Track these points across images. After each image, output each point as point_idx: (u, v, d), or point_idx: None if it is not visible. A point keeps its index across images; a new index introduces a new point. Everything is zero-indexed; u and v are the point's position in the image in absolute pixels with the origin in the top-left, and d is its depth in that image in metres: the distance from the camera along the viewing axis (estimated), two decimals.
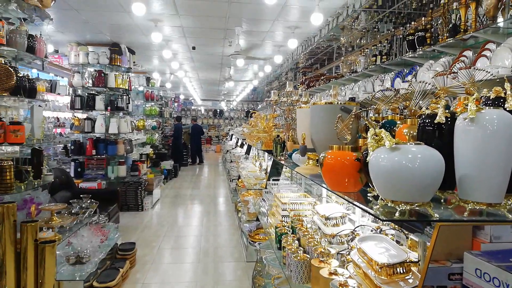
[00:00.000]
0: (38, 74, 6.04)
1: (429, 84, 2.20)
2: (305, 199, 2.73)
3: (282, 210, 2.67)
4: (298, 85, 10.75)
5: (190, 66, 9.97)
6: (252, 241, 4.10)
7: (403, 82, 4.88)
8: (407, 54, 4.83)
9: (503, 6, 3.19)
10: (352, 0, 5.31)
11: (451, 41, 3.92)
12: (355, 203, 1.50)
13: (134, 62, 7.68)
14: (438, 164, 1.08)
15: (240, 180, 6.86)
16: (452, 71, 3.82)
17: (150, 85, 10.80)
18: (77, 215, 3.99)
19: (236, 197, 7.71)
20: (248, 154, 7.15)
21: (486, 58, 3.47)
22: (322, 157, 1.68)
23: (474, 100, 1.14)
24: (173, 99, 16.56)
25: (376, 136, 1.38)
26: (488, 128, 1.07)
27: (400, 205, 1.13)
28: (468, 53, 3.87)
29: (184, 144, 14.41)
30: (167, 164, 11.11)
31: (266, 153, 5.55)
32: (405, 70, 5.11)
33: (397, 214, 1.12)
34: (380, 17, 5.91)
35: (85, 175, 6.93)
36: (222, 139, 21.17)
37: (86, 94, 6.93)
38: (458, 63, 3.89)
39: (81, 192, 5.93)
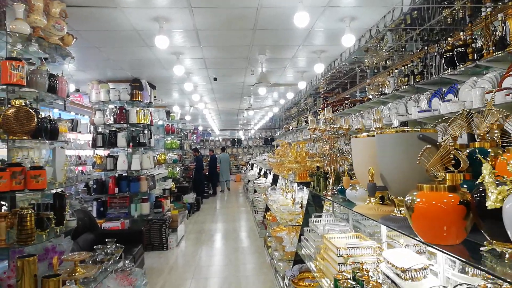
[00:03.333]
0: (60, 114, 5.93)
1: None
2: (364, 243, 2.35)
3: (338, 257, 2.30)
4: (319, 111, 10.48)
5: (209, 98, 9.86)
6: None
7: (443, 101, 4.52)
8: (446, 71, 4.49)
9: None
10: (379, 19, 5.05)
11: (499, 54, 3.57)
12: (472, 263, 1.14)
13: (155, 97, 7.57)
14: None
15: (269, 213, 6.49)
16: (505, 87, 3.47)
17: (170, 119, 10.72)
18: (102, 263, 3.68)
19: (264, 231, 7.30)
20: (276, 185, 6.80)
21: None
22: (410, 200, 1.34)
23: None
24: (192, 131, 16.51)
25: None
26: None
27: None
28: None
29: (205, 175, 14.16)
30: (189, 198, 10.83)
31: (303, 186, 5.19)
32: (443, 89, 4.76)
33: None
34: (410, 36, 5.63)
35: (108, 214, 6.68)
36: (242, 168, 20.86)
37: (108, 131, 6.79)
38: (509, 78, 3.55)
39: (105, 234, 5.69)
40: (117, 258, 4.07)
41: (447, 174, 1.45)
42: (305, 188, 5.19)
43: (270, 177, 8.83)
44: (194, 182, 12.98)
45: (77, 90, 7.81)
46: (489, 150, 1.57)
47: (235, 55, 5.62)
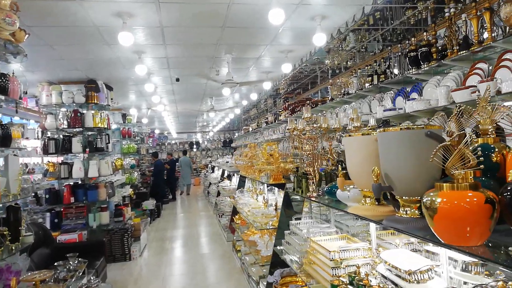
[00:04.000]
0: (11, 119, 5.40)
1: None
2: (356, 245, 2.29)
3: (330, 260, 2.22)
4: (280, 111, 10.49)
5: (169, 99, 9.52)
6: None
7: (408, 100, 4.63)
8: (411, 71, 4.62)
9: None
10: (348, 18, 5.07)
11: (464, 53, 3.71)
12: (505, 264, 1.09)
13: (111, 99, 7.15)
14: None
15: (237, 216, 6.34)
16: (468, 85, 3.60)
17: (126, 122, 10.24)
18: (64, 281, 3.36)
19: (231, 235, 7.14)
20: (243, 188, 6.67)
21: (507, 69, 3.27)
22: (430, 201, 1.27)
23: None
24: (148, 134, 15.94)
25: None
26: None
27: None
28: (483, 65, 3.67)
29: (164, 180, 13.70)
30: (149, 204, 10.39)
31: (274, 187, 5.10)
32: (407, 88, 4.89)
33: None
34: (373, 36, 5.75)
35: (64, 226, 6.19)
36: (200, 171, 20.47)
37: (61, 137, 6.30)
38: (473, 76, 3.69)
39: (62, 248, 5.24)
40: (80, 274, 3.75)
41: (455, 173, 1.40)
42: (276, 189, 5.12)
43: (235, 179, 8.68)
44: (153, 188, 12.50)
45: (25, 93, 7.17)
46: (493, 145, 1.56)
47: (200, 54, 5.43)
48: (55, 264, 3.59)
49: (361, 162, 1.96)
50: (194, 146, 22.88)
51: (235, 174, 8.50)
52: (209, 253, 6.67)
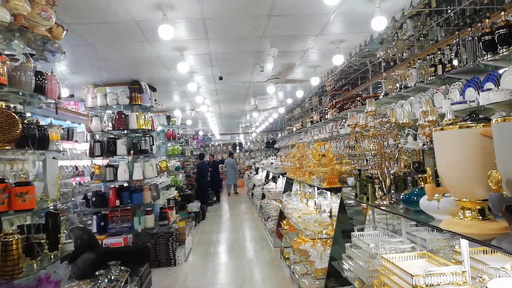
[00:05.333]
0: (51, 120, 5.38)
1: None
2: (447, 268, 1.82)
3: (413, 287, 1.77)
4: (327, 110, 9.94)
5: (212, 100, 9.33)
6: None
7: (481, 91, 4.00)
8: (485, 57, 3.98)
9: None
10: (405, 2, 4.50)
11: None
12: None
13: (155, 100, 7.03)
14: None
15: (285, 221, 5.95)
16: None
17: (170, 124, 10.19)
18: None
19: (279, 241, 6.76)
20: (290, 191, 6.26)
21: None
22: None
23: None
24: (192, 136, 15.98)
25: None
26: None
27: None
28: None
29: (209, 182, 13.62)
30: (194, 206, 10.27)
31: (326, 192, 4.66)
32: (480, 78, 4.25)
33: None
34: (436, 21, 5.13)
35: (109, 229, 6.12)
36: (244, 172, 20.27)
37: (106, 139, 6.25)
38: None
39: (107, 253, 5.12)
40: (123, 283, 3.53)
41: None
42: (329, 194, 4.67)
43: (280, 182, 8.30)
44: (197, 190, 12.43)
45: (72, 96, 7.27)
46: None
47: (244, 49, 5.09)
48: (96, 273, 3.39)
49: (460, 164, 1.49)
50: (237, 148, 22.76)
51: (281, 176, 8.12)
52: (256, 260, 6.32)
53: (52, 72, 3.19)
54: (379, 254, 2.34)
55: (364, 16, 3.99)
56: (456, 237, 2.34)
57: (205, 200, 12.08)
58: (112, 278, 3.33)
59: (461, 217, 1.56)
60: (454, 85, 4.64)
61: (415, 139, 4.25)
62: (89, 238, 4.96)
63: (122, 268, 3.57)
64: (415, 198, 1.98)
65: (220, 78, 6.41)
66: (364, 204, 3.15)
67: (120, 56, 5.11)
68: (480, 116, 3.64)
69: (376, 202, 2.35)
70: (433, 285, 1.80)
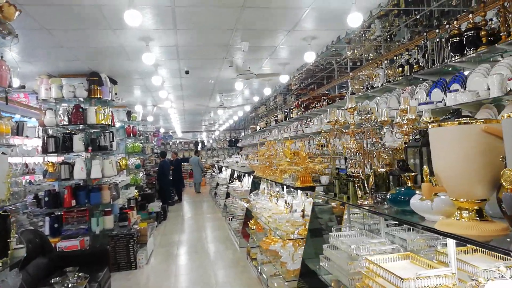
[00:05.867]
0: None
1: None
2: (436, 271, 1.76)
3: None
4: (292, 109, 9.93)
5: (176, 95, 9.00)
6: None
7: (448, 92, 4.10)
8: (453, 58, 4.07)
9: None
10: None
11: None
12: None
13: (116, 94, 6.64)
14: None
15: (252, 221, 5.82)
16: None
17: (131, 119, 9.75)
18: None
19: (244, 241, 6.62)
20: (258, 190, 6.14)
21: None
22: None
23: None
24: (153, 133, 15.45)
25: None
26: None
27: None
28: None
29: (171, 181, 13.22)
30: (155, 206, 9.89)
31: (296, 191, 4.57)
32: (446, 79, 4.35)
33: None
34: (405, 22, 5.20)
35: (64, 231, 5.69)
36: (206, 171, 19.94)
37: (61, 134, 5.81)
38: None
39: (62, 257, 4.72)
40: None
41: None
42: (299, 193, 4.59)
43: (246, 180, 8.16)
44: (158, 189, 12.02)
45: (23, 87, 6.68)
46: None
47: (214, 42, 4.89)
48: (52, 281, 3.09)
49: (459, 162, 1.43)
50: (199, 146, 22.37)
51: (247, 175, 7.98)
52: (221, 261, 6.14)
53: (2, 57, 2.85)
54: (360, 255, 2.27)
55: (339, 12, 3.95)
56: (437, 237, 2.31)
57: (167, 199, 11.71)
58: (70, 286, 3.03)
59: (457, 218, 1.49)
60: (420, 86, 4.73)
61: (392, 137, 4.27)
62: (41, 241, 4.55)
63: (80, 274, 3.28)
64: (402, 197, 1.92)
65: (187, 72, 6.16)
66: (334, 204, 3.09)
67: (79, 45, 4.73)
68: (463, 114, 3.69)
69: (358, 201, 2.27)
70: None
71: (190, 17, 4.01)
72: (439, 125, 1.51)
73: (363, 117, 2.33)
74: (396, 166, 2.18)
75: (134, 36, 4.44)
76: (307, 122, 8.60)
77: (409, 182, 1.96)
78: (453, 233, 1.45)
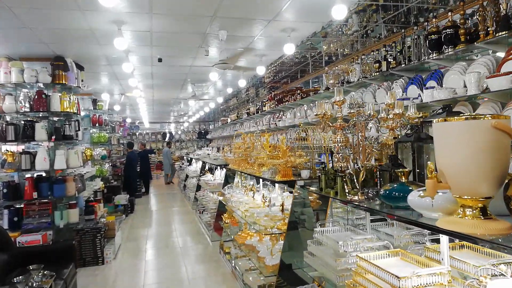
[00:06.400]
0: None
1: None
2: (432, 269, 1.72)
3: None
4: (265, 102, 9.85)
5: (146, 84, 8.66)
6: None
7: (425, 89, 4.16)
8: (431, 56, 4.12)
9: None
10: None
11: (503, 35, 3.24)
12: None
13: (82, 80, 6.27)
14: None
15: (227, 215, 5.71)
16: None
17: (97, 108, 9.30)
18: None
19: (216, 235, 6.51)
20: (232, 183, 6.02)
21: None
22: None
23: None
24: (119, 123, 14.90)
25: None
26: None
27: None
28: None
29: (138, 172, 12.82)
30: (122, 199, 9.54)
31: (272, 185, 4.50)
32: (423, 76, 4.41)
33: None
34: (383, 19, 5.22)
35: (24, 225, 5.34)
36: (174, 163, 19.57)
37: (22, 122, 5.41)
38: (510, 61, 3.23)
39: (23, 253, 4.41)
40: None
41: None
42: (277, 186, 4.52)
43: (218, 173, 8.02)
44: (125, 181, 11.62)
45: None
46: None
47: (191, 29, 4.69)
48: (14, 280, 2.84)
49: (466, 159, 1.38)
50: (167, 137, 21.88)
51: (219, 168, 7.84)
52: (193, 255, 5.99)
53: None
54: (349, 252, 2.22)
55: (321, 4, 3.87)
56: (424, 233, 2.30)
57: (134, 192, 11.35)
58: (34, 285, 2.80)
59: (460, 216, 1.45)
60: (396, 82, 4.78)
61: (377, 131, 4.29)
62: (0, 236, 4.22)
63: (45, 272, 3.05)
64: (396, 194, 1.87)
65: (160, 60, 5.90)
66: (312, 198, 3.05)
67: (44, 26, 4.38)
68: (454, 111, 3.72)
69: (348, 197, 2.21)
70: (420, 286, 1.69)
71: (167, 1, 3.79)
72: (445, 120, 1.45)
73: (354, 110, 2.27)
74: (388, 161, 2.13)
75: (106, 18, 4.16)
76: (280, 116, 8.55)
77: (403, 178, 1.91)
78: (460, 232, 1.41)
